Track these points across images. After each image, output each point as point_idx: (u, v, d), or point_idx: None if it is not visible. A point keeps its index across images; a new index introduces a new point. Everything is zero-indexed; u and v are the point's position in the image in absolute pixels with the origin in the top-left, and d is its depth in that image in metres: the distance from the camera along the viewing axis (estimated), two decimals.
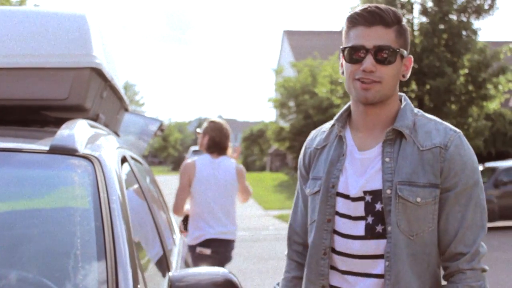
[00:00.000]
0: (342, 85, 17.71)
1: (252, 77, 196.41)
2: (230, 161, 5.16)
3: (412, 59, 2.06)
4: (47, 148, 2.20)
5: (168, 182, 25.25)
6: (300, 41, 43.79)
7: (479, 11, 20.25)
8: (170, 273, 2.28)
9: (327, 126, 2.20)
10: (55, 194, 2.28)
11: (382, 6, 1.97)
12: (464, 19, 20.28)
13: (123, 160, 2.57)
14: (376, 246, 1.97)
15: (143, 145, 4.94)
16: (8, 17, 2.78)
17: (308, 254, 2.10)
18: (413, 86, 20.77)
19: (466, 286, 1.90)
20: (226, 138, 5.13)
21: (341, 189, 2.03)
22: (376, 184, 1.97)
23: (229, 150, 5.19)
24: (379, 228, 1.96)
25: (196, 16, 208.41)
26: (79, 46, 2.67)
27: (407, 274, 1.92)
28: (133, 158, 3.01)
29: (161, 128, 5.11)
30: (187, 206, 5.04)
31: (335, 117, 2.13)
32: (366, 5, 1.98)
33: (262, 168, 46.31)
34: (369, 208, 1.98)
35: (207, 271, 2.18)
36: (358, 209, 2.00)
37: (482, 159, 24.86)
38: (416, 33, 20.92)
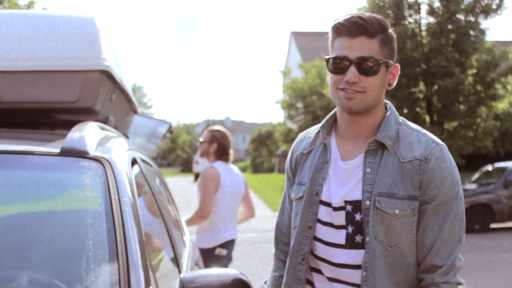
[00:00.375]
0: None
1: (259, 79, 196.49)
2: (235, 167, 5.44)
3: (399, 67, 2.06)
4: (58, 150, 2.21)
5: (177, 184, 25.31)
6: (307, 42, 43.74)
7: (487, 11, 20.19)
8: (181, 275, 2.28)
9: (313, 130, 2.21)
10: (66, 196, 2.29)
11: (366, 15, 1.96)
12: (472, 19, 20.23)
13: (133, 162, 2.58)
14: (356, 256, 1.98)
15: (152, 147, 4.95)
16: (17, 20, 2.79)
17: (288, 258, 2.13)
18: (421, 86, 20.73)
19: None
20: (230, 145, 5.37)
21: (324, 197, 2.05)
22: (356, 194, 1.98)
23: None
24: (358, 238, 1.98)
25: (203, 18, 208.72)
26: (89, 49, 2.68)
27: (384, 285, 1.93)
28: (143, 160, 3.01)
29: (170, 130, 5.13)
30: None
31: (321, 124, 2.14)
32: (349, 15, 1.97)
33: (271, 170, 46.29)
34: (349, 218, 1.99)
35: (218, 272, 2.18)
36: (340, 218, 2.01)
37: (491, 159, 24.75)
38: (423, 33, 20.88)
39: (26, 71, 2.66)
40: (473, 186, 15.04)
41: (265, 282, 2.33)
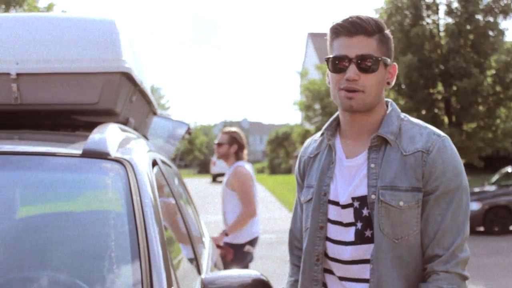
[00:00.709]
0: None
1: (277, 80, 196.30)
2: None
3: (397, 66, 2.09)
4: (80, 152, 2.23)
5: (194, 185, 25.37)
6: (324, 43, 42.43)
7: (506, 11, 20.02)
8: (202, 275, 2.29)
9: (318, 134, 2.25)
10: (88, 197, 2.31)
11: (363, 16, 2.01)
12: (491, 19, 20.06)
13: (154, 163, 2.60)
14: (365, 251, 2.01)
15: (171, 148, 4.97)
16: (39, 23, 2.82)
17: (302, 260, 2.15)
18: (440, 87, 20.60)
19: (436, 287, 1.91)
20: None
21: (332, 196, 2.08)
22: (362, 190, 2.01)
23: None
24: (368, 233, 2.01)
25: (221, 20, 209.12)
26: (109, 51, 2.70)
27: (390, 277, 1.95)
28: (162, 161, 3.03)
29: (188, 132, 5.15)
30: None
31: (325, 126, 2.18)
32: (347, 16, 2.02)
33: (288, 171, 46.23)
34: (357, 214, 2.02)
35: (238, 273, 2.19)
36: (348, 215, 2.04)
37: (510, 161, 24.54)
38: (442, 34, 20.75)
39: (47, 73, 2.68)
40: (492, 188, 14.92)
41: None
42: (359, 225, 2.02)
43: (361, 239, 2.01)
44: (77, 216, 2.26)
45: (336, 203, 2.07)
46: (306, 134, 32.18)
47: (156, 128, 4.54)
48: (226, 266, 4.89)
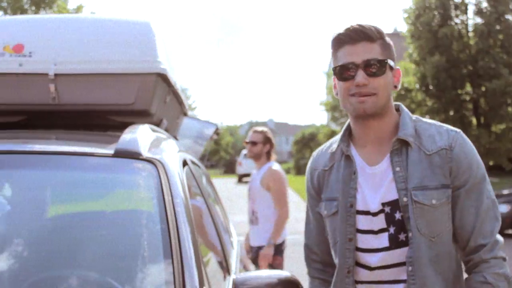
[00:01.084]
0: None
1: (303, 80, 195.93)
2: None
3: (400, 70, 2.13)
4: (112, 152, 2.26)
5: (221, 185, 25.41)
6: None
7: None
8: (234, 276, 2.30)
9: (327, 146, 2.27)
10: (120, 197, 2.34)
11: (364, 23, 2.05)
12: None
13: (184, 163, 2.62)
14: (400, 254, 2.03)
15: (199, 148, 5.00)
16: (76, 24, 2.87)
17: (335, 273, 2.16)
18: (468, 88, 20.41)
19: (493, 274, 1.97)
20: None
21: (360, 206, 2.09)
22: (392, 194, 2.03)
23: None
24: (402, 237, 2.03)
25: (248, 20, 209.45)
26: (145, 52, 2.74)
27: (431, 276, 1.98)
28: (192, 162, 3.05)
29: (216, 132, 5.17)
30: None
31: (339, 138, 2.19)
32: (348, 25, 2.06)
33: None
34: (389, 219, 2.04)
35: (269, 273, 2.19)
36: (380, 222, 2.06)
37: None
38: (470, 34, 20.54)
39: (84, 74, 2.73)
40: None
41: None
42: (392, 229, 2.03)
43: (395, 243, 2.03)
44: (109, 216, 2.29)
45: (366, 212, 2.08)
46: (332, 135, 32.03)
47: (184, 128, 4.56)
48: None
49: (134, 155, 2.23)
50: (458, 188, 2.01)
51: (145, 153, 2.25)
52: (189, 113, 4.46)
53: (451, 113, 20.21)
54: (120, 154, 2.24)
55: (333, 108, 32.20)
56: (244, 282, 2.12)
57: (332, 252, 2.19)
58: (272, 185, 5.14)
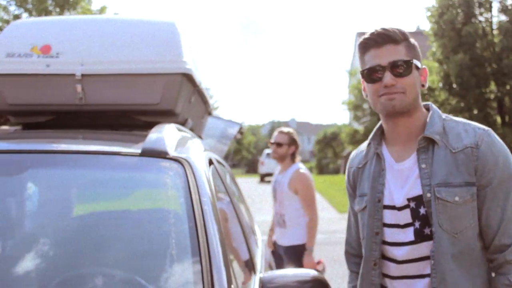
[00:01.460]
0: None
1: (325, 79, 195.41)
2: None
3: (427, 69, 2.21)
4: (139, 151, 2.28)
5: (243, 185, 25.42)
6: None
7: None
8: (261, 274, 2.31)
9: (364, 145, 2.35)
10: (148, 196, 2.35)
11: (388, 27, 2.14)
12: None
13: (210, 162, 2.63)
14: (425, 248, 2.09)
15: (223, 148, 5.01)
16: (102, 25, 2.90)
17: (362, 266, 2.25)
18: (492, 87, 20.19)
19: None
20: None
21: (387, 201, 2.17)
22: (416, 190, 2.09)
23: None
24: (427, 231, 2.08)
25: (269, 20, 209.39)
26: (171, 53, 2.75)
27: (453, 272, 2.03)
28: (217, 161, 3.07)
29: (240, 131, 5.16)
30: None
31: (370, 137, 2.28)
32: (373, 30, 2.14)
33: (336, 171, 45.96)
34: (414, 214, 2.10)
35: (295, 272, 2.20)
36: (405, 216, 2.12)
37: None
38: (495, 32, 20.32)
39: (111, 74, 2.75)
40: None
41: None
42: (417, 224, 2.09)
43: (420, 237, 2.09)
44: (137, 214, 2.31)
45: (392, 207, 2.15)
46: (354, 134, 31.94)
47: (209, 128, 4.58)
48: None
49: (161, 154, 2.25)
50: (484, 187, 2.04)
51: (172, 152, 2.26)
52: (213, 113, 4.47)
53: (475, 112, 20.01)
54: (147, 153, 2.25)
55: (355, 107, 32.00)
56: (271, 281, 2.13)
57: (362, 246, 2.26)
58: (301, 189, 5.10)
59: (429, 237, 2.07)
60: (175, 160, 2.25)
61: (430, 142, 2.11)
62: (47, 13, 17.79)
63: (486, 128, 2.12)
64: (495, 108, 20.62)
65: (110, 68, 2.74)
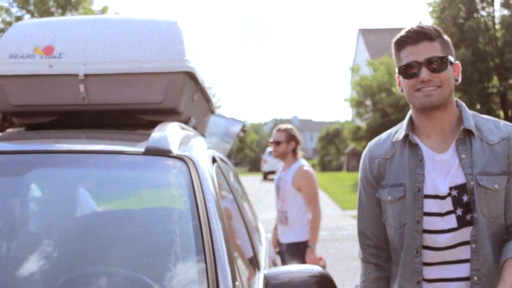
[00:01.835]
0: None
1: (327, 77, 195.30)
2: None
3: (460, 64, 2.34)
4: (142, 150, 2.28)
5: (246, 183, 25.42)
6: (375, 39, 43.19)
7: None
8: (265, 271, 2.32)
9: (385, 136, 2.44)
10: (152, 194, 2.36)
11: (423, 24, 2.27)
12: None
13: (213, 160, 2.63)
14: (465, 234, 2.23)
15: (226, 146, 5.01)
16: (104, 25, 2.91)
17: (403, 254, 2.31)
18: (495, 81, 20.15)
19: None
20: None
21: (429, 190, 2.26)
22: (459, 179, 2.23)
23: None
24: (468, 217, 2.23)
25: (271, 18, 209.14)
26: (173, 51, 2.76)
27: (490, 254, 2.21)
28: (221, 159, 3.07)
29: (243, 129, 5.16)
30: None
31: (404, 129, 2.35)
32: (409, 28, 2.27)
33: (339, 168, 45.99)
34: (456, 202, 2.23)
35: (299, 268, 2.21)
36: (447, 205, 2.24)
37: None
38: (497, 26, 20.27)
39: (114, 74, 2.76)
40: None
41: (357, 287, 2.48)
42: (459, 211, 2.23)
43: (463, 223, 2.22)
44: (141, 213, 2.32)
45: (435, 196, 2.25)
46: (357, 131, 31.88)
47: (212, 126, 4.57)
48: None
49: (165, 153, 2.25)
50: (511, 173, 2.23)
51: (175, 151, 2.27)
52: (215, 111, 4.47)
53: (478, 106, 19.97)
54: (150, 152, 2.26)
55: (358, 104, 31.92)
56: (275, 277, 2.14)
57: (393, 236, 2.34)
58: (304, 186, 5.08)
59: (469, 223, 2.21)
60: (179, 158, 2.25)
61: (466, 135, 2.26)
62: (49, 14, 17.81)
63: (511, 124, 2.32)
64: (498, 103, 20.59)
65: (113, 68, 2.75)
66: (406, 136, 2.32)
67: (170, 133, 2.38)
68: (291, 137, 5.19)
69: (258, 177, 36.85)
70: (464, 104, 2.35)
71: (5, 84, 2.82)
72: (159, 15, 3.04)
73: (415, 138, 2.32)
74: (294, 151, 5.22)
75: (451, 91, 2.27)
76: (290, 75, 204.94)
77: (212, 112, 4.09)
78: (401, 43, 2.28)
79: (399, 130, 2.38)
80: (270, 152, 32.95)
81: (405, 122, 2.36)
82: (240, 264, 2.44)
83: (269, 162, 31.92)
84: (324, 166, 47.79)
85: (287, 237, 5.15)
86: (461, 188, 2.23)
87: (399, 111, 27.60)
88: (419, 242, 2.26)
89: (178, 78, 2.77)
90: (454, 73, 2.30)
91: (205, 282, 1.83)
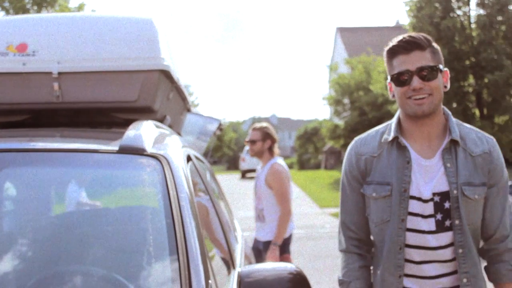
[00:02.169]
0: None
1: (305, 75, 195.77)
2: None
3: (448, 71, 2.44)
4: (116, 148, 2.27)
5: (224, 181, 25.37)
6: (353, 38, 43.41)
7: None
8: (239, 269, 2.32)
9: (372, 134, 2.53)
10: (125, 192, 2.35)
11: (414, 34, 2.37)
12: None
13: (188, 158, 2.63)
14: (445, 237, 2.36)
15: (203, 144, 5.00)
16: (78, 22, 2.88)
17: (385, 249, 2.42)
18: (471, 80, 20.33)
19: None
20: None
21: (413, 192, 2.37)
22: (442, 186, 2.35)
23: None
24: (447, 223, 2.35)
25: (248, 16, 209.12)
26: (148, 49, 2.75)
27: (476, 256, 2.39)
28: (196, 157, 3.07)
29: (220, 127, 5.15)
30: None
31: (393, 131, 2.43)
32: (400, 37, 2.36)
33: (317, 166, 46.09)
34: (437, 207, 2.35)
35: (274, 266, 2.21)
36: (429, 208, 2.37)
37: None
38: (473, 26, 20.46)
39: (88, 72, 2.74)
40: None
41: (343, 277, 2.53)
42: (439, 216, 2.35)
43: (441, 228, 2.35)
44: (115, 212, 2.31)
45: (418, 198, 2.37)
46: (335, 129, 31.96)
47: (188, 124, 4.56)
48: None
49: (139, 151, 2.24)
50: (492, 186, 2.39)
51: (150, 149, 2.26)
52: (193, 109, 4.46)
53: (454, 105, 20.13)
54: (124, 150, 2.25)
55: (336, 102, 32.02)
56: (249, 275, 2.14)
57: (375, 230, 2.45)
58: (273, 184, 5.10)
59: (448, 229, 2.34)
60: (153, 156, 2.25)
61: (452, 144, 2.37)
62: (25, 11, 17.59)
63: (491, 136, 2.46)
64: (474, 101, 20.78)
65: (87, 66, 2.73)
66: (395, 138, 2.41)
67: (144, 132, 2.37)
68: (266, 135, 5.20)
69: (236, 175, 36.82)
70: (450, 113, 2.45)
71: None
72: (135, 13, 3.03)
73: (403, 141, 2.40)
74: (270, 149, 5.23)
75: (441, 99, 2.37)
76: (268, 73, 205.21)
77: (188, 110, 4.09)
78: (394, 52, 2.37)
79: (387, 131, 2.47)
80: (248, 151, 32.93)
81: (393, 125, 2.45)
82: (215, 262, 2.45)
83: (247, 160, 31.92)
84: (303, 164, 47.85)
85: (264, 235, 5.17)
86: (443, 195, 2.35)
87: (376, 109, 27.78)
88: (402, 240, 2.37)
89: (153, 76, 2.76)
90: (443, 79, 2.40)
91: (178, 280, 1.83)
